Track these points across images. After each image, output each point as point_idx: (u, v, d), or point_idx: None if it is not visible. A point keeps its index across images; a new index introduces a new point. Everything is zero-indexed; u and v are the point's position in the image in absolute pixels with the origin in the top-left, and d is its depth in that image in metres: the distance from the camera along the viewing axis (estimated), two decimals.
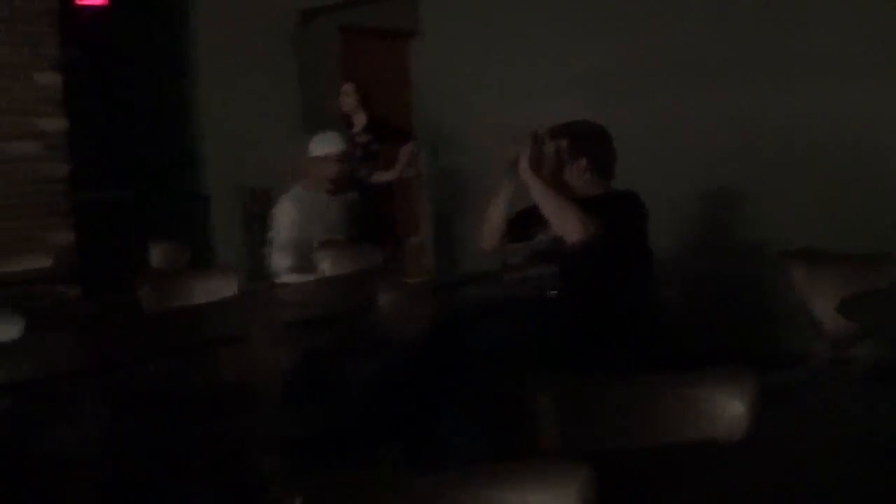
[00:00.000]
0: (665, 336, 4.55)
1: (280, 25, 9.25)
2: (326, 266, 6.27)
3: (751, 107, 6.17)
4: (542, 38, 7.23)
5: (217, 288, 5.32)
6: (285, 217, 6.26)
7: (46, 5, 8.49)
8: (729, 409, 2.53)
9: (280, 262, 6.20)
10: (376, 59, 9.79)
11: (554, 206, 4.30)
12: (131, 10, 9.76)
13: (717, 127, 6.30)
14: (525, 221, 4.61)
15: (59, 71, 8.56)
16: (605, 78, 6.81)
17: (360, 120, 7.82)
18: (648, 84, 6.64)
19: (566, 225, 4.23)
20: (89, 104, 9.24)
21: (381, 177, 7.76)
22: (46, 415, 3.47)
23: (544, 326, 4.25)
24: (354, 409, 4.36)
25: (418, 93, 9.05)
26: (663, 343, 4.45)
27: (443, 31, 7.95)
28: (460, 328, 4.39)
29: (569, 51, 7.06)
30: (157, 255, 7.19)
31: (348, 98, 7.84)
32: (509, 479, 1.98)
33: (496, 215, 4.61)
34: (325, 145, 6.42)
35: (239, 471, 3.60)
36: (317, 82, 8.77)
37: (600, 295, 4.32)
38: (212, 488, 3.45)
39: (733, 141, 6.27)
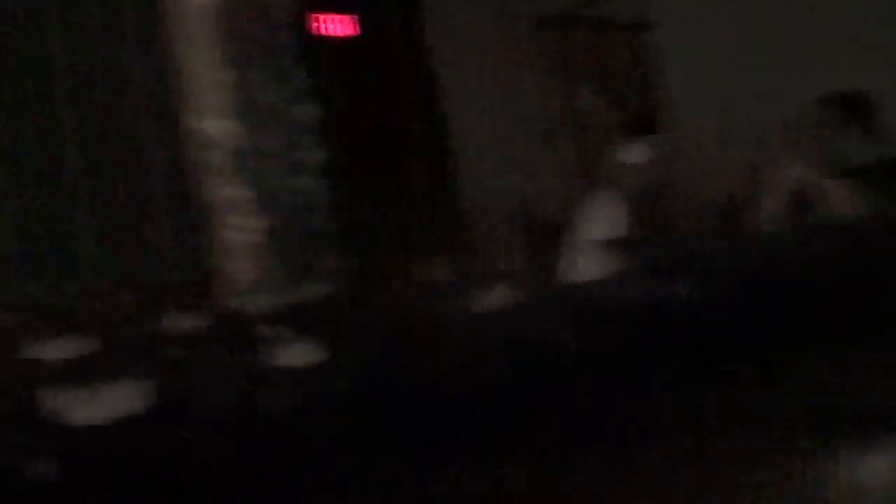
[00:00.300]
0: None
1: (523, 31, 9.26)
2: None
3: None
4: None
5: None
6: None
7: (296, 42, 8.71)
8: None
9: None
10: (621, 52, 9.70)
11: None
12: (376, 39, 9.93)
13: None
14: None
15: (318, 102, 8.77)
16: None
17: (603, 116, 7.80)
18: None
19: None
20: (350, 134, 9.43)
21: None
22: None
23: None
24: None
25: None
26: None
27: (684, 19, 7.83)
28: None
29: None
30: (428, 271, 7.26)
31: (589, 96, 7.83)
32: None
33: None
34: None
35: None
36: (566, 82, 8.75)
37: None
38: None
39: None
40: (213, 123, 8.57)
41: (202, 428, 3.98)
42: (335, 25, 9.84)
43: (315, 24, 9.72)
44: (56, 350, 5.66)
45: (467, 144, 10.07)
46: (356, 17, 9.85)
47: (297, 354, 4.51)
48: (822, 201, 5.29)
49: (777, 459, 3.11)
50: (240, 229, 8.45)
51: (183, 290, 8.24)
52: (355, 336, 5.02)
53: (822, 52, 6.69)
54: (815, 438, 3.14)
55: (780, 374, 3.83)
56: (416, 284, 6.76)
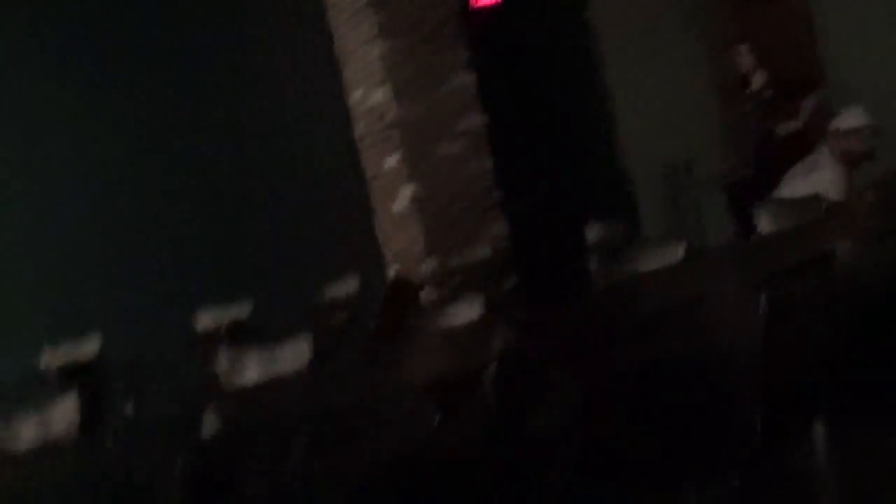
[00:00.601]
0: None
1: None
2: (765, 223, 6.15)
3: None
4: None
5: (664, 257, 5.31)
6: None
7: (450, 9, 8.73)
8: None
9: None
10: (776, 14, 9.49)
11: None
12: (529, 5, 9.93)
13: None
14: None
15: (473, 71, 8.79)
16: None
17: (758, 79, 7.65)
18: None
19: None
20: (507, 100, 9.46)
21: (786, 127, 7.55)
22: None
23: None
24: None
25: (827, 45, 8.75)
26: None
27: None
28: None
29: None
30: (594, 235, 7.25)
31: (743, 58, 7.70)
32: None
33: None
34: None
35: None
36: (720, 46, 8.59)
37: None
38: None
39: None
40: (373, 95, 8.68)
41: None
42: None
43: None
44: None
45: (625, 107, 10.03)
46: None
47: (460, 315, 4.54)
48: None
49: None
50: (403, 199, 8.55)
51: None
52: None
53: None
54: None
55: None
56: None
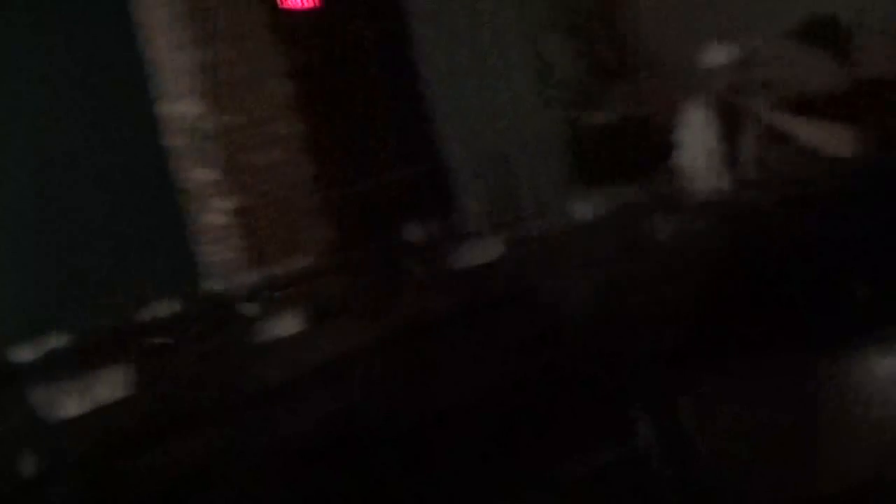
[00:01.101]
0: None
1: None
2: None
3: None
4: None
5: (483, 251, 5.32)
6: None
7: (265, 15, 8.62)
8: None
9: None
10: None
11: None
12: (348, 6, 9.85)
13: None
14: None
15: (289, 76, 8.69)
16: None
17: (569, 67, 7.72)
18: None
19: None
20: (326, 104, 9.36)
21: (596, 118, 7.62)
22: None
23: None
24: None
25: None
26: None
27: None
28: None
29: None
30: (412, 232, 7.24)
31: (555, 46, 7.74)
32: None
33: None
34: None
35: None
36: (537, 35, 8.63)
37: None
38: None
39: None
40: (184, 106, 8.50)
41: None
42: None
43: None
44: None
45: (443, 104, 10.03)
46: None
47: (284, 327, 4.47)
48: None
49: None
50: (217, 210, 8.41)
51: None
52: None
53: None
54: None
55: None
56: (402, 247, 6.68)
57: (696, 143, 5.48)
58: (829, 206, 4.18)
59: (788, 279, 3.95)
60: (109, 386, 4.25)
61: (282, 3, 9.58)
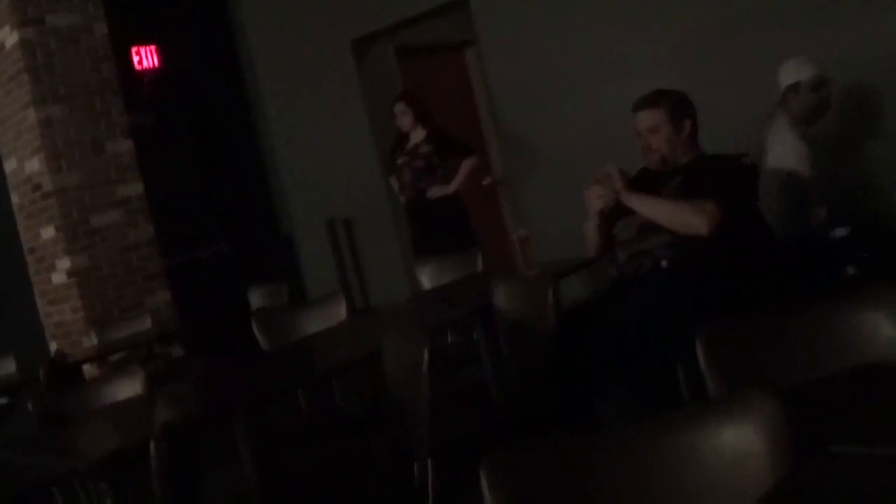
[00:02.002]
0: (790, 295, 4.50)
1: (339, 56, 9.29)
2: (426, 278, 6.34)
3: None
4: (598, 24, 7.20)
5: (328, 316, 5.38)
6: None
7: (107, 75, 8.60)
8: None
9: None
10: (436, 74, 9.81)
11: (666, 212, 4.32)
12: (188, 68, 9.89)
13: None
14: (622, 207, 4.61)
15: (130, 137, 8.67)
16: (654, 57, 6.77)
17: (418, 134, 7.81)
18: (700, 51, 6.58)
19: (688, 223, 4.23)
20: (165, 166, 9.36)
21: (439, 191, 7.71)
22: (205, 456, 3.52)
23: (666, 298, 4.21)
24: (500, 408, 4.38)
25: (485, 100, 9.05)
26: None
27: (498, 35, 7.92)
28: (590, 310, 4.38)
29: (625, 31, 7.03)
30: (256, 298, 7.29)
31: (404, 117, 7.82)
32: (700, 420, 1.98)
33: (592, 234, 4.66)
34: None
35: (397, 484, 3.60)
36: (382, 105, 8.76)
37: (718, 258, 4.28)
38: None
39: None
40: (28, 164, 8.41)
41: None
42: (149, 58, 9.76)
43: (136, 58, 9.64)
44: None
45: (289, 167, 10.12)
46: (157, 47, 9.81)
47: (123, 390, 4.45)
48: None
49: None
50: (61, 271, 8.31)
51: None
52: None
53: None
54: None
55: None
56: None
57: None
58: None
59: None
60: None
61: (137, 63, 9.60)
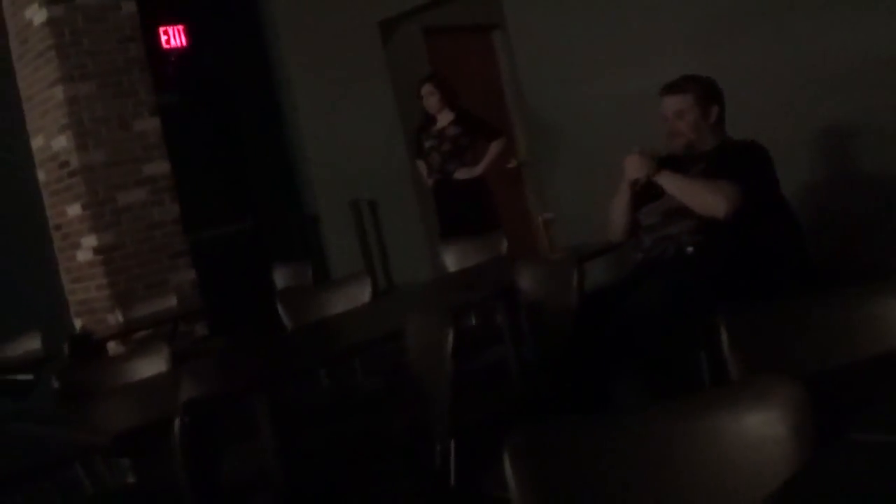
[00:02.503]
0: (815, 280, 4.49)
1: (366, 37, 9.28)
2: (450, 260, 6.34)
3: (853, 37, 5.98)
4: (625, 7, 7.16)
5: (352, 296, 5.39)
6: None
7: (135, 54, 8.61)
8: None
9: None
10: (463, 56, 9.78)
11: (691, 191, 4.31)
12: (216, 48, 9.91)
13: (817, 63, 6.11)
14: (646, 191, 4.61)
15: (157, 116, 8.68)
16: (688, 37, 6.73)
17: (445, 117, 7.78)
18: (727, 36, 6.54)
19: (710, 204, 4.23)
20: (191, 145, 9.39)
21: (466, 173, 7.70)
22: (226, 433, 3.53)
23: (689, 283, 4.21)
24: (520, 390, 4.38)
25: (511, 83, 9.04)
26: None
27: (525, 17, 7.89)
28: (612, 294, 4.37)
29: (652, 14, 6.98)
30: (280, 277, 7.29)
31: (432, 98, 7.79)
32: (723, 403, 1.97)
33: (620, 213, 4.64)
34: None
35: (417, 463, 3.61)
36: (409, 86, 8.75)
37: (742, 244, 4.28)
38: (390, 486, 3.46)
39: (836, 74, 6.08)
40: (55, 141, 8.44)
41: None
42: (177, 37, 9.79)
43: (163, 37, 9.67)
44: None
45: (315, 147, 10.13)
46: (185, 27, 9.83)
47: (147, 367, 4.47)
48: None
49: None
50: (87, 248, 8.34)
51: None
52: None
53: None
54: None
55: None
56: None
57: None
58: None
59: None
60: None
61: (165, 42, 9.63)
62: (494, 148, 7.73)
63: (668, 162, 4.56)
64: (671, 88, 4.58)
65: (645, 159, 4.47)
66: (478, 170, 7.68)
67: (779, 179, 4.45)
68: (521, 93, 8.55)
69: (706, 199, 4.24)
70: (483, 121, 7.91)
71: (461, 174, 7.67)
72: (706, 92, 4.54)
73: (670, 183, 4.40)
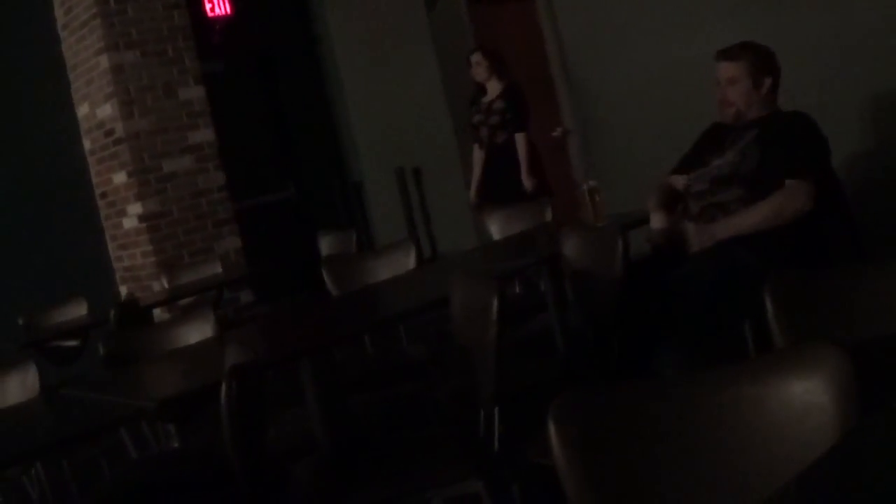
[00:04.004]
0: (860, 250, 4.46)
1: (410, 5, 9.26)
2: (495, 228, 6.33)
3: None
4: None
5: (397, 264, 5.40)
6: None
7: (179, 22, 8.64)
8: None
9: None
10: (506, 23, 9.74)
11: (761, 217, 4.23)
12: (260, 16, 9.92)
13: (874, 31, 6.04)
14: (695, 158, 4.59)
15: (202, 84, 8.71)
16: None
17: (493, 87, 7.76)
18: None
19: (791, 211, 4.17)
20: (236, 113, 9.42)
21: (528, 183, 7.65)
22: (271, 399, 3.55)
23: (737, 253, 4.19)
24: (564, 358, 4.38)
25: (555, 50, 9.00)
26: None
27: None
28: (660, 261, 4.37)
29: None
30: (325, 244, 7.31)
31: (479, 67, 7.76)
32: (769, 371, 1.96)
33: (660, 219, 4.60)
34: None
35: (461, 430, 3.62)
36: (453, 53, 8.74)
37: None
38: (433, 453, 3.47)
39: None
40: (101, 110, 8.49)
41: None
42: (221, 5, 9.81)
43: (208, 5, 9.70)
44: None
45: (360, 115, 10.14)
46: None
47: (193, 333, 4.51)
48: None
49: None
50: (132, 216, 8.40)
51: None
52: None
53: None
54: None
55: None
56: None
57: None
58: None
59: None
60: (16, 387, 4.26)
61: (209, 10, 9.66)
62: (521, 146, 7.65)
63: (715, 132, 4.56)
64: (726, 55, 4.54)
65: (704, 231, 4.38)
66: (527, 181, 7.61)
67: (830, 151, 4.41)
68: (565, 60, 8.50)
69: (786, 209, 4.18)
70: (521, 105, 7.80)
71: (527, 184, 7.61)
72: (760, 62, 4.50)
73: (731, 228, 4.32)
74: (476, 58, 7.78)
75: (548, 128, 8.28)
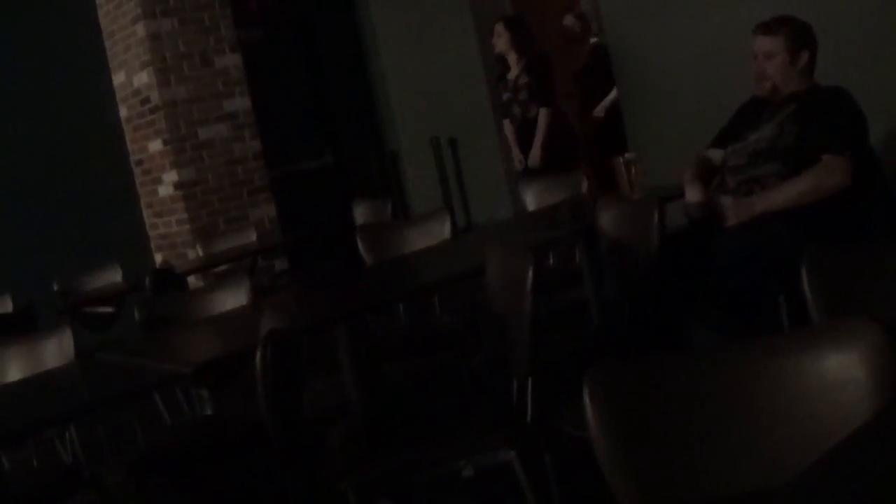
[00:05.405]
0: None
1: None
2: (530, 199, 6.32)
3: None
4: None
5: (432, 233, 5.40)
6: None
7: None
8: None
9: None
10: None
11: (798, 192, 4.21)
12: None
13: None
14: (733, 132, 4.57)
15: (238, 52, 8.72)
16: None
17: (513, 60, 7.69)
18: None
19: (830, 187, 4.15)
20: (273, 81, 9.43)
21: (536, 159, 7.58)
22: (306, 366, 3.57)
23: (774, 227, 4.17)
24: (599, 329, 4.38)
25: (593, 21, 8.94)
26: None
27: None
28: (696, 234, 4.36)
29: None
30: (360, 212, 7.32)
31: (500, 39, 7.68)
32: (805, 345, 1.96)
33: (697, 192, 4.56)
34: None
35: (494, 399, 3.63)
36: (491, 23, 8.69)
37: None
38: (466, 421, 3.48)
39: None
40: (136, 77, 8.52)
41: None
42: None
43: None
44: None
45: (395, 85, 10.13)
46: None
47: (229, 300, 4.53)
48: None
49: None
50: (168, 183, 8.44)
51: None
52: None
53: None
54: None
55: None
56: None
57: None
58: None
59: None
60: (53, 352, 4.29)
61: None
62: (542, 121, 7.56)
63: (752, 106, 4.53)
64: (763, 28, 4.51)
65: (742, 205, 4.36)
66: (534, 159, 7.54)
67: (868, 127, 4.38)
68: (603, 31, 8.45)
69: (824, 184, 4.16)
70: (546, 78, 7.74)
71: (533, 161, 7.54)
72: (798, 36, 4.47)
73: (771, 201, 4.29)
74: (498, 28, 7.71)
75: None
